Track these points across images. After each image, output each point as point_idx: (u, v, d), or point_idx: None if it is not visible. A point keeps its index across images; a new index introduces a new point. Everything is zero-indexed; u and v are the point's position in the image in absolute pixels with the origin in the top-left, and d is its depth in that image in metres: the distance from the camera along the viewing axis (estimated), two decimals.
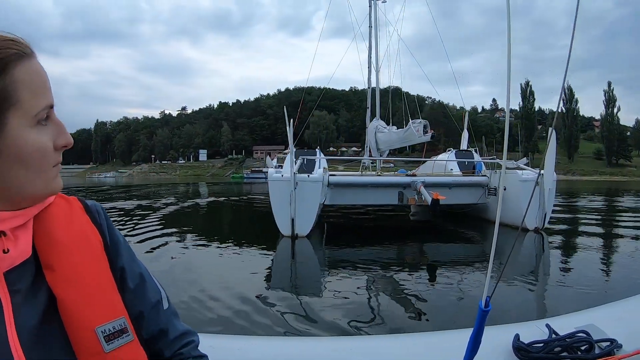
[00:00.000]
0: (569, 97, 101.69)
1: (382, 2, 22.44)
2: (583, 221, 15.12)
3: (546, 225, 11.41)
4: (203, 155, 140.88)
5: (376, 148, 19.90)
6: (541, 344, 1.52)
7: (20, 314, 0.73)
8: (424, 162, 20.14)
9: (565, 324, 1.64)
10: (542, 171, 11.17)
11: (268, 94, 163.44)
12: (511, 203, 11.40)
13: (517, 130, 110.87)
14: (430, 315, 5.53)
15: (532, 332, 1.62)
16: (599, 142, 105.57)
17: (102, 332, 0.80)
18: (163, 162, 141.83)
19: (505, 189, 12.00)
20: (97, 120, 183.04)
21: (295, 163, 12.06)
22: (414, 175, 13.95)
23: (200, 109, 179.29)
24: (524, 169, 12.51)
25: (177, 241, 10.69)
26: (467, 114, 22.85)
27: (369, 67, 22.22)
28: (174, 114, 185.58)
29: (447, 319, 5.33)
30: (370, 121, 21.33)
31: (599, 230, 13.08)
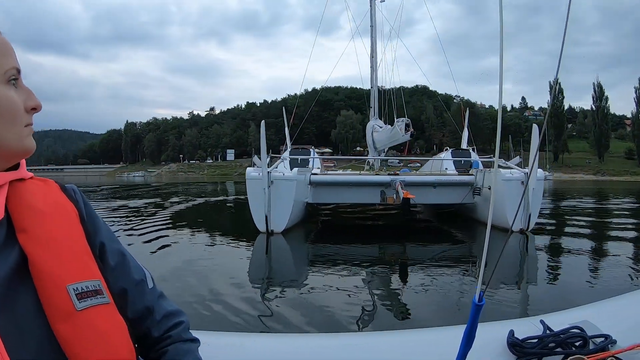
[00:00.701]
0: (599, 94, 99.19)
1: (381, 2, 22.42)
2: (579, 223, 14.31)
3: (532, 226, 11.12)
4: (230, 155, 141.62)
5: (373, 147, 19.92)
6: (535, 340, 1.54)
7: None
8: (426, 161, 20.34)
9: (559, 321, 1.65)
10: (526, 170, 11.02)
11: (295, 93, 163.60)
12: (495, 203, 11.33)
13: (546, 129, 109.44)
14: (416, 314, 5.51)
15: (527, 328, 1.63)
16: (630, 141, 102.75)
17: (73, 289, 0.80)
18: (191, 161, 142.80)
19: (489, 189, 12.05)
20: (127, 120, 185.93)
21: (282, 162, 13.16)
22: (396, 174, 13.92)
23: (228, 109, 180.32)
24: (512, 168, 12.29)
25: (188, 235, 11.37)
26: (467, 111, 22.69)
27: (372, 67, 22.23)
28: (203, 114, 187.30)
29: (434, 317, 5.32)
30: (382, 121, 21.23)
31: (591, 231, 12.74)
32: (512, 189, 11.01)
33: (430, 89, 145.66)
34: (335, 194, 13.72)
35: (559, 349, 1.49)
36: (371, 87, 22.37)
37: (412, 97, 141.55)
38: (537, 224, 11.54)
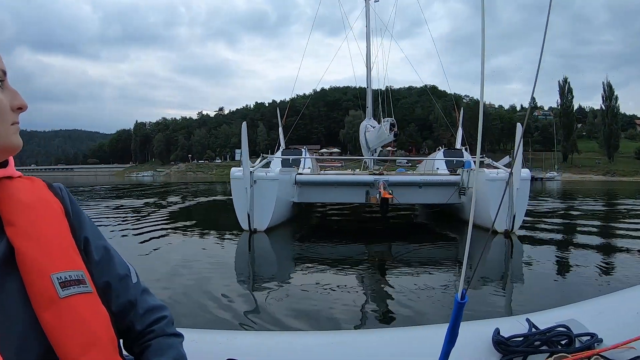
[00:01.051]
0: (608, 93, 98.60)
1: (375, 2, 22.75)
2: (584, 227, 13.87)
3: (517, 227, 10.93)
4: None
5: (367, 147, 19.94)
6: (521, 338, 1.54)
7: None
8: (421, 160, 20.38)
9: (545, 319, 1.65)
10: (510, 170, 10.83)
11: (304, 93, 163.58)
12: (479, 203, 11.13)
13: (555, 129, 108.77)
14: (400, 313, 5.50)
15: (513, 326, 1.63)
16: None
17: (57, 278, 0.84)
18: (200, 161, 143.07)
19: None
20: (137, 121, 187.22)
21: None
22: (381, 174, 13.91)
23: (237, 109, 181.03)
24: (498, 168, 12.19)
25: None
26: (462, 110, 22.56)
27: (367, 66, 22.68)
28: (212, 114, 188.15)
29: (418, 316, 5.30)
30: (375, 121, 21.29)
31: (582, 233, 12.33)
32: (496, 189, 10.91)
33: (440, 88, 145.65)
34: (322, 194, 13.85)
35: (544, 347, 1.49)
36: (367, 87, 22.95)
37: (421, 97, 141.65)
38: (529, 224, 11.57)
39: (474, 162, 14.46)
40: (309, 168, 17.73)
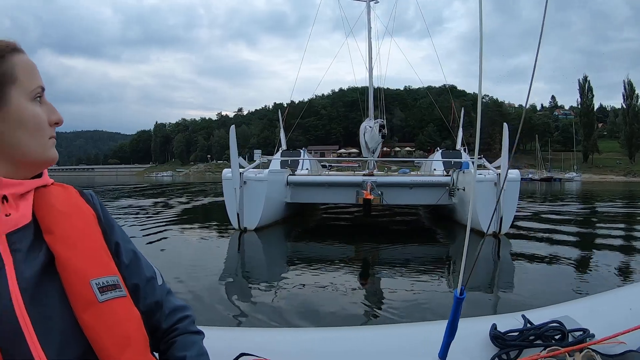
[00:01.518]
0: (629, 92, 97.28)
1: (375, 3, 22.51)
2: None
3: (505, 230, 10.69)
4: (258, 155, 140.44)
5: (366, 147, 19.92)
6: (517, 333, 1.59)
7: (21, 270, 0.85)
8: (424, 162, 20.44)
9: (540, 316, 1.70)
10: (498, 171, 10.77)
11: (322, 94, 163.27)
12: (468, 205, 11.33)
13: (577, 129, 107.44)
14: (394, 310, 5.52)
15: (509, 322, 1.68)
16: None
17: (96, 284, 0.91)
18: (219, 161, 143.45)
19: (464, 189, 11.91)
20: (157, 121, 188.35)
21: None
22: (371, 174, 14.12)
23: (256, 110, 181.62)
24: (488, 169, 12.13)
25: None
26: (462, 110, 22.25)
27: (369, 67, 22.53)
28: (231, 115, 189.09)
29: (414, 314, 5.36)
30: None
31: (573, 237, 11.80)
32: (484, 191, 10.71)
33: (459, 88, 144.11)
34: (314, 194, 13.99)
35: (538, 342, 1.56)
36: (369, 87, 22.91)
37: (440, 97, 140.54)
38: (523, 227, 11.61)
39: (471, 163, 14.41)
40: (307, 169, 18.00)
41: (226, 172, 11.70)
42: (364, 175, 14.36)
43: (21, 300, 0.81)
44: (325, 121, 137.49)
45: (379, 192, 12.47)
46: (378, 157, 20.33)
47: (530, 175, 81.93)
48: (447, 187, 12.80)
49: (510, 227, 10.91)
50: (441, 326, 1.42)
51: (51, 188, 0.99)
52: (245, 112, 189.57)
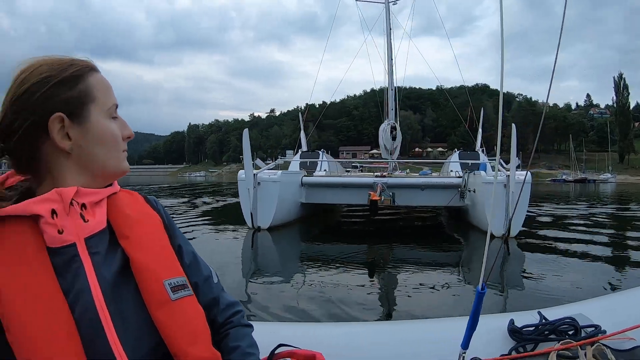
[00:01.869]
0: None
1: (393, 4, 22.60)
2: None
3: (515, 233, 10.41)
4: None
5: (385, 149, 20.02)
6: (532, 328, 1.70)
7: (100, 271, 0.92)
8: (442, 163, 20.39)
9: (555, 313, 1.80)
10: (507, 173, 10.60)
11: (354, 94, 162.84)
12: (479, 206, 11.28)
13: (612, 128, 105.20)
14: (412, 308, 5.70)
15: (525, 318, 1.78)
16: None
17: (168, 284, 0.99)
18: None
19: (474, 191, 11.88)
20: (190, 123, 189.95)
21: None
22: (382, 176, 14.30)
23: (288, 110, 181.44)
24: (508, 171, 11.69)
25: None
26: (482, 110, 22.44)
27: (389, 68, 22.38)
28: (263, 116, 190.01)
29: (430, 311, 5.48)
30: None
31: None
32: (492, 192, 10.70)
33: (491, 87, 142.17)
34: (327, 195, 14.24)
35: (553, 336, 1.67)
36: (388, 88, 22.64)
37: (472, 96, 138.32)
38: (540, 230, 11.47)
39: (488, 163, 14.56)
40: (325, 170, 18.28)
41: (241, 173, 12.03)
42: (376, 176, 14.59)
43: (102, 298, 0.90)
44: (357, 121, 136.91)
45: (390, 194, 12.63)
46: (396, 158, 20.54)
47: (563, 176, 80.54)
48: (459, 189, 12.84)
49: (523, 230, 10.78)
50: (460, 322, 1.54)
51: (120, 194, 1.08)
52: (277, 113, 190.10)
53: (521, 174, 10.66)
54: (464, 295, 6.15)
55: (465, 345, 1.43)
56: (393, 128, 17.96)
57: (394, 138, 18.14)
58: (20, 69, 0.97)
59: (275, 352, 1.38)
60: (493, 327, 1.75)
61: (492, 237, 10.06)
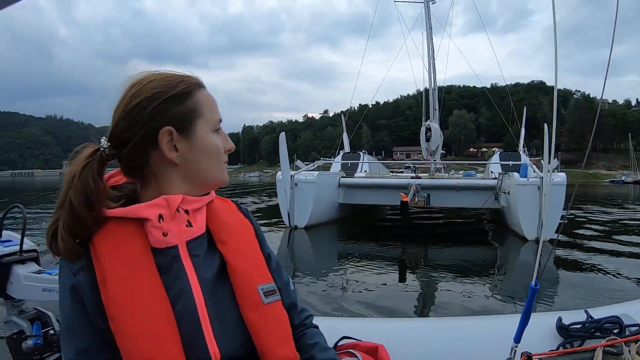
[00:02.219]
0: None
1: (432, 3, 22.72)
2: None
3: (548, 236, 9.64)
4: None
5: (426, 150, 20.05)
6: (579, 325, 1.78)
7: (200, 272, 1.01)
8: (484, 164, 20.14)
9: (601, 313, 1.86)
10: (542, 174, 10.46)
11: (408, 94, 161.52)
12: (513, 208, 11.11)
13: None
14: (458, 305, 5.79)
15: (573, 317, 1.85)
16: None
17: (261, 289, 1.07)
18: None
19: (508, 193, 11.72)
20: (244, 124, 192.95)
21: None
22: (417, 177, 14.32)
23: (341, 111, 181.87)
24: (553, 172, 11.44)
25: None
26: (524, 110, 21.99)
27: (429, 68, 22.41)
28: (317, 117, 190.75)
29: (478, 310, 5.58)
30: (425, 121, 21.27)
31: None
32: (527, 195, 10.54)
33: (547, 84, 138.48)
34: (364, 196, 14.46)
35: (598, 334, 1.74)
36: (430, 87, 22.66)
37: (528, 94, 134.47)
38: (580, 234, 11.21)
39: (530, 165, 13.92)
40: (365, 171, 18.44)
41: (279, 174, 12.46)
42: (411, 177, 14.60)
43: (202, 297, 0.99)
44: (411, 121, 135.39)
45: (425, 195, 12.85)
46: (440, 159, 20.89)
47: (622, 178, 77.86)
48: (494, 191, 12.72)
49: (571, 231, 10.85)
50: (509, 319, 1.69)
51: (215, 201, 1.15)
52: (331, 114, 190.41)
53: (557, 176, 10.57)
54: (502, 295, 6.38)
55: (517, 339, 1.50)
56: (427, 129, 18.22)
57: (427, 139, 18.45)
58: (131, 82, 1.03)
59: (339, 343, 1.50)
60: (542, 324, 1.83)
61: (525, 240, 10.22)
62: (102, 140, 1.02)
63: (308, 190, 12.42)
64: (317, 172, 14.02)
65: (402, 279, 7.68)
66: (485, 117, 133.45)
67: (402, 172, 23.95)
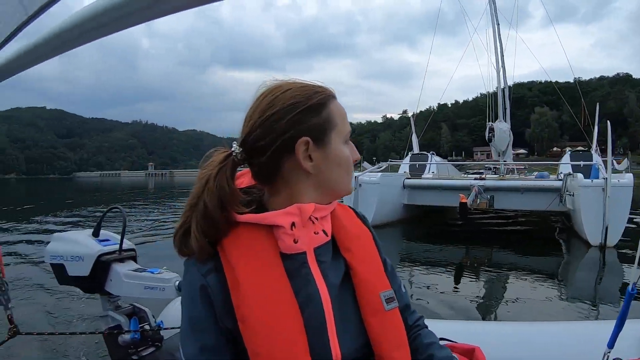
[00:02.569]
0: None
1: None
2: None
3: (613, 241, 9.68)
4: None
5: (495, 151, 19.66)
6: None
7: (327, 277, 1.03)
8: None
9: None
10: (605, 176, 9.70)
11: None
12: (577, 211, 10.49)
13: None
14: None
15: None
16: None
17: (383, 296, 1.08)
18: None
19: (573, 195, 10.96)
20: None
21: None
22: (482, 178, 13.78)
23: (420, 111, 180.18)
24: (621, 173, 11.07)
25: None
26: (597, 106, 20.48)
27: (497, 67, 21.91)
28: (396, 117, 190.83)
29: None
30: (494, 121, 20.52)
31: None
32: (590, 197, 9.99)
33: (634, 76, 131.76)
34: (427, 197, 14.34)
35: None
36: (499, 86, 22.28)
37: (613, 88, 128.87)
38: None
39: (601, 166, 13.25)
40: (433, 172, 18.22)
41: None
42: (475, 179, 14.17)
43: (329, 302, 1.01)
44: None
45: (488, 196, 12.55)
46: (511, 160, 20.31)
47: None
48: (559, 192, 12.08)
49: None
50: (595, 325, 1.78)
51: (337, 208, 1.16)
52: (410, 114, 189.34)
53: (624, 177, 10.20)
54: (581, 301, 6.11)
55: (611, 344, 1.48)
56: (490, 129, 17.87)
57: (489, 140, 18.16)
58: (264, 91, 1.04)
59: None
60: (634, 330, 1.80)
61: (589, 245, 9.74)
62: (233, 145, 1.04)
63: (371, 191, 12.57)
64: (381, 173, 14.28)
65: (467, 281, 7.57)
66: (569, 115, 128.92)
67: (481, 172, 23.72)
